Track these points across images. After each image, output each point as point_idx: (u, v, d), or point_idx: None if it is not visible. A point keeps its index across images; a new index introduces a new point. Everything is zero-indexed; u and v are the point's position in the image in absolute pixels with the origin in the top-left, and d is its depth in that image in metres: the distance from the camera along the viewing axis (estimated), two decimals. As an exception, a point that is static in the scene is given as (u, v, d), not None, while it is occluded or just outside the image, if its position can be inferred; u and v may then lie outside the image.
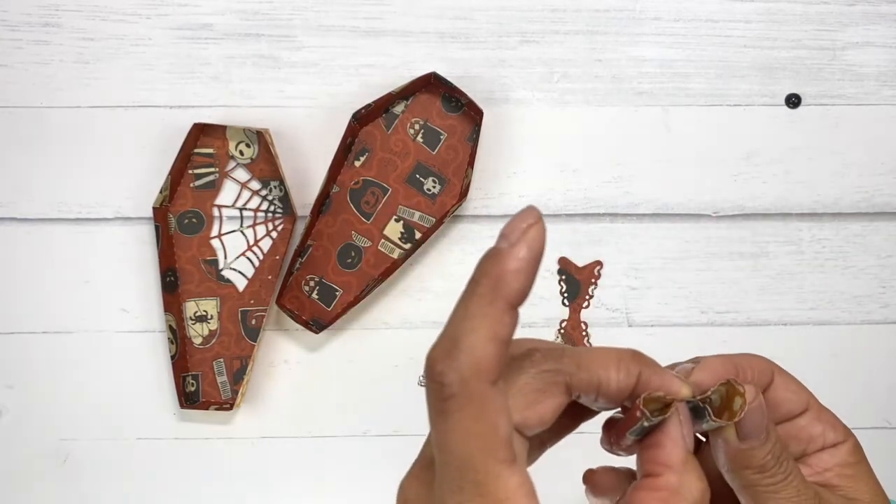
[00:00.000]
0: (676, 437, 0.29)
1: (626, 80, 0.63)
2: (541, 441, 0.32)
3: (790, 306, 0.63)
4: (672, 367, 0.32)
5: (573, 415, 0.32)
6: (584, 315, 0.63)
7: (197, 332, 0.62)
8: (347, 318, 0.61)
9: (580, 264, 0.63)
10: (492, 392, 0.26)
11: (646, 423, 0.29)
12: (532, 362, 0.29)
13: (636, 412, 0.29)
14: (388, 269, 0.60)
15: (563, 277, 0.63)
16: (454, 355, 0.26)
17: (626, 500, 0.29)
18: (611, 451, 0.32)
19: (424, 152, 0.62)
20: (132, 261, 0.62)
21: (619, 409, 0.31)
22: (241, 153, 0.62)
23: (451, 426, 0.26)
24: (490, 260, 0.27)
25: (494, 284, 0.26)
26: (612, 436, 0.31)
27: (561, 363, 0.29)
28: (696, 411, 0.30)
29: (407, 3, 0.62)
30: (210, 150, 0.62)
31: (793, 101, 0.63)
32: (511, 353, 0.29)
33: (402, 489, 0.30)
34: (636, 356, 0.30)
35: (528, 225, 0.26)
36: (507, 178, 0.63)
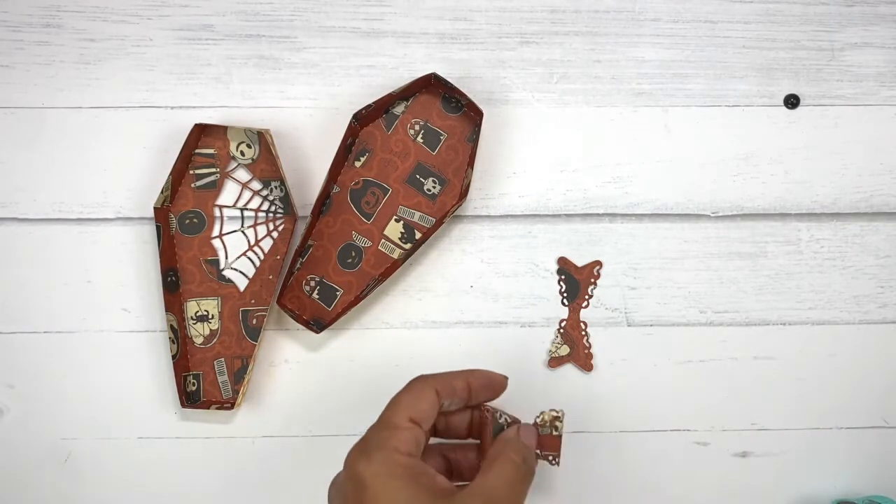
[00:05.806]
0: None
1: (626, 80, 0.63)
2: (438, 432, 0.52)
3: (789, 306, 0.63)
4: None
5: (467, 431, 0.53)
6: (584, 315, 0.63)
7: (198, 332, 0.62)
8: (348, 317, 0.62)
9: (579, 264, 0.63)
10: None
11: (500, 421, 0.51)
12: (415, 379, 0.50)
13: (486, 414, 0.51)
14: (389, 269, 0.60)
15: (563, 277, 0.63)
16: None
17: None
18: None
19: (424, 153, 0.62)
20: (133, 261, 0.62)
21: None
22: (242, 153, 0.62)
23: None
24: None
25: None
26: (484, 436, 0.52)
27: (428, 378, 0.50)
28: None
29: (407, 4, 0.63)
30: (211, 151, 0.62)
31: (791, 101, 0.64)
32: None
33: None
34: (469, 371, 0.51)
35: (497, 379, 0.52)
36: (506, 178, 0.63)
